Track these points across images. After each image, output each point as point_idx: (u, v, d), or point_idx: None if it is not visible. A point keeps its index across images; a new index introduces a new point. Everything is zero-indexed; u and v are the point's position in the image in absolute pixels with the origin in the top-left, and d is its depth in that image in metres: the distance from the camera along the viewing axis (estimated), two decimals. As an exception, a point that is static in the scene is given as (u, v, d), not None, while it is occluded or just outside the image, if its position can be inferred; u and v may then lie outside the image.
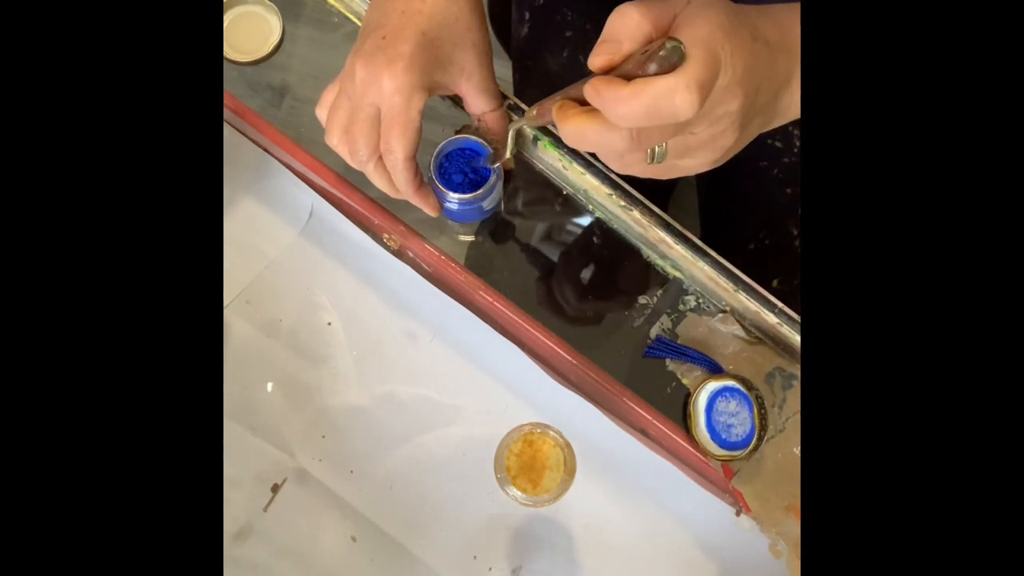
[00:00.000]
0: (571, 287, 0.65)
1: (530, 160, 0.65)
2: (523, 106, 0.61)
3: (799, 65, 0.44)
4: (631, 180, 0.61)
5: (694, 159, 0.43)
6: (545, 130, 0.62)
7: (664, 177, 0.45)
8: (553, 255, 0.65)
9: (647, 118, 0.38)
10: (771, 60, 0.43)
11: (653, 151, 0.42)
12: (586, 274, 0.65)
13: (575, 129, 0.41)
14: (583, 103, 0.41)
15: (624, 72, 0.39)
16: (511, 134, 0.53)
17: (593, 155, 0.61)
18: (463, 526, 0.62)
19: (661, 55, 0.38)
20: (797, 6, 0.45)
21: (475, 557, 0.62)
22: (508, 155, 0.54)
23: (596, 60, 0.40)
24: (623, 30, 0.40)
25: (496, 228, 0.65)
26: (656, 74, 0.38)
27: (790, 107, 0.45)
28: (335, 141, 0.53)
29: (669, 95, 0.37)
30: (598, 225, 0.65)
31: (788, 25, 0.44)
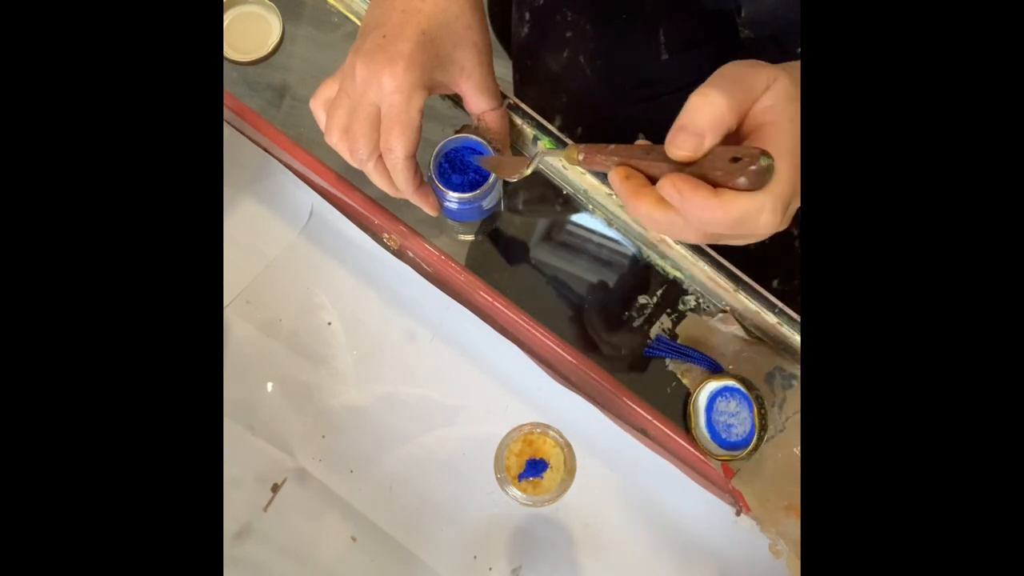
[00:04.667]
0: (571, 288, 0.65)
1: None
2: (523, 106, 0.61)
3: None
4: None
5: (750, 241, 0.43)
6: (545, 130, 0.62)
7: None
8: (553, 255, 0.65)
9: (727, 229, 0.38)
10: None
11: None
12: (586, 274, 0.65)
13: (648, 214, 0.40)
14: (643, 164, 0.41)
15: (700, 167, 0.39)
16: (535, 162, 0.52)
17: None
18: (463, 526, 0.62)
19: (753, 170, 0.37)
20: None
21: (475, 557, 0.62)
22: (527, 172, 0.53)
23: (678, 153, 0.39)
24: (706, 120, 0.39)
25: (496, 228, 0.65)
26: (744, 188, 0.37)
27: None
28: (335, 140, 0.53)
29: (756, 214, 0.37)
30: (598, 225, 0.65)
31: None
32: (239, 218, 0.65)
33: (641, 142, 0.44)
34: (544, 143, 0.61)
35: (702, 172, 0.39)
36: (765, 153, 0.37)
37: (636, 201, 0.40)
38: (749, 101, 0.40)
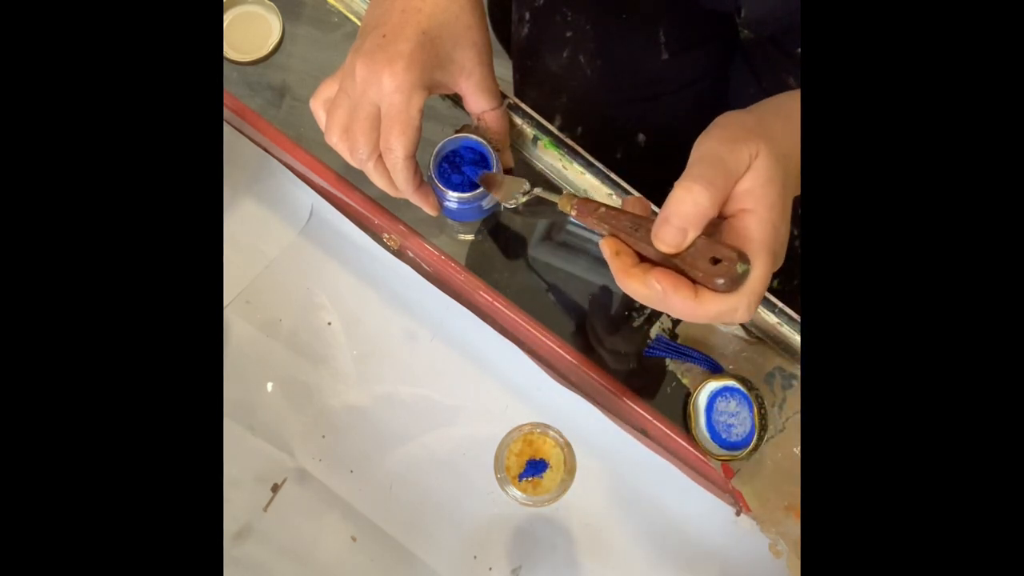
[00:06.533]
0: (571, 287, 0.65)
1: (530, 160, 0.65)
2: (523, 106, 0.61)
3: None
4: (631, 180, 0.61)
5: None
6: (545, 130, 0.62)
7: None
8: (553, 255, 0.65)
9: (704, 322, 0.42)
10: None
11: None
12: (585, 274, 0.65)
13: (634, 292, 0.43)
14: (631, 240, 0.44)
15: (682, 257, 0.41)
16: (527, 197, 0.54)
17: (593, 156, 0.61)
18: (463, 526, 0.62)
19: (730, 275, 0.40)
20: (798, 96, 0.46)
21: (475, 557, 0.62)
22: (522, 200, 0.55)
23: (662, 247, 0.42)
24: (689, 215, 0.41)
25: (496, 228, 0.65)
26: (722, 290, 0.40)
27: None
28: (335, 140, 0.53)
29: (731, 313, 0.41)
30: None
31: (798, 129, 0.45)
32: (239, 218, 0.65)
33: (632, 205, 0.46)
34: (546, 144, 0.61)
35: (684, 263, 0.41)
36: (743, 257, 0.40)
37: (625, 279, 0.43)
38: (731, 185, 0.42)
